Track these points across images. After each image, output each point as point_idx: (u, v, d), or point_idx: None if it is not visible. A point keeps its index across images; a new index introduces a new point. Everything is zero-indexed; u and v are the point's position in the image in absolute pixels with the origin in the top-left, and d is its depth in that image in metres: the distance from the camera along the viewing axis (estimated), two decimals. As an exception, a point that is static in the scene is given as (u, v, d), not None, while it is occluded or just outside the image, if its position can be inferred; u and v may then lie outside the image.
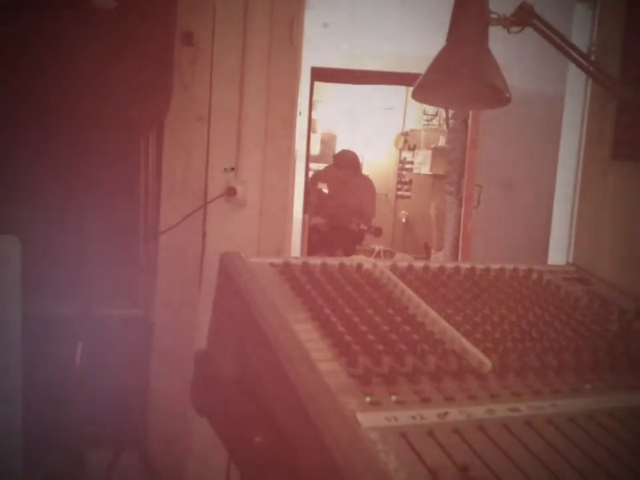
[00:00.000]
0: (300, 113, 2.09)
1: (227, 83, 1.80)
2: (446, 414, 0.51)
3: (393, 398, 0.52)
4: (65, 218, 1.62)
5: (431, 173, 6.52)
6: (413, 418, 0.50)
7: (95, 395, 1.60)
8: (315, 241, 4.37)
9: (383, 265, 0.79)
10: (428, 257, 5.71)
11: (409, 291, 0.71)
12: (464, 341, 0.61)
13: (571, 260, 1.91)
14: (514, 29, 1.14)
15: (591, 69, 1.28)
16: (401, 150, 6.71)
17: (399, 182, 6.74)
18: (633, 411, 0.56)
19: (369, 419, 0.48)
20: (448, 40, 1.19)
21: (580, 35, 1.88)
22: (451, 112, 3.63)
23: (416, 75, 1.26)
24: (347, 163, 4.90)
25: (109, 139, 1.61)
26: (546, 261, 2.08)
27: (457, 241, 3.28)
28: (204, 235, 1.84)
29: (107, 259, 1.67)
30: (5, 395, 0.61)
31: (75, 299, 1.64)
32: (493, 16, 1.14)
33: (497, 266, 0.87)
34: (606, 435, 0.53)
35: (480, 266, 0.86)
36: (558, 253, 2.01)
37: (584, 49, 1.73)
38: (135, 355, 1.75)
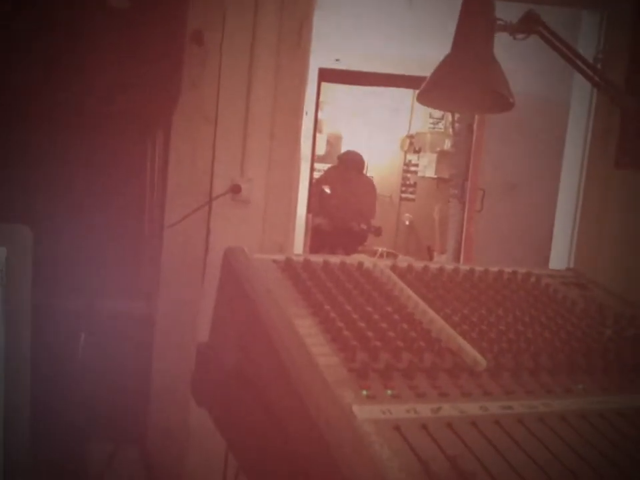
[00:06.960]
0: (306, 114, 2.11)
1: (235, 83, 1.82)
2: (439, 409, 0.52)
3: (389, 392, 0.54)
4: (71, 211, 1.64)
5: (435, 176, 6.53)
6: (408, 412, 0.51)
7: (96, 387, 1.62)
8: (318, 241, 4.39)
9: (384, 264, 0.80)
10: (430, 260, 5.72)
11: (408, 290, 0.72)
12: (460, 340, 0.62)
13: (572, 265, 1.93)
14: (519, 36, 1.16)
15: (596, 78, 1.29)
16: (406, 152, 6.73)
17: (404, 184, 6.76)
18: (622, 413, 0.57)
19: (365, 412, 0.50)
20: (454, 45, 1.20)
21: (587, 42, 1.89)
22: (457, 115, 3.64)
23: (422, 78, 1.27)
24: (354, 164, 4.93)
25: (117, 136, 1.63)
26: (547, 265, 2.10)
27: (460, 244, 3.29)
28: (208, 231, 1.86)
29: (112, 252, 1.69)
30: (16, 385, 0.63)
31: (79, 291, 1.66)
32: (499, 23, 1.16)
33: (496, 269, 0.88)
34: (596, 435, 0.54)
35: (479, 268, 0.87)
36: (559, 258, 2.03)
37: (591, 56, 1.74)
38: (136, 348, 1.77)
